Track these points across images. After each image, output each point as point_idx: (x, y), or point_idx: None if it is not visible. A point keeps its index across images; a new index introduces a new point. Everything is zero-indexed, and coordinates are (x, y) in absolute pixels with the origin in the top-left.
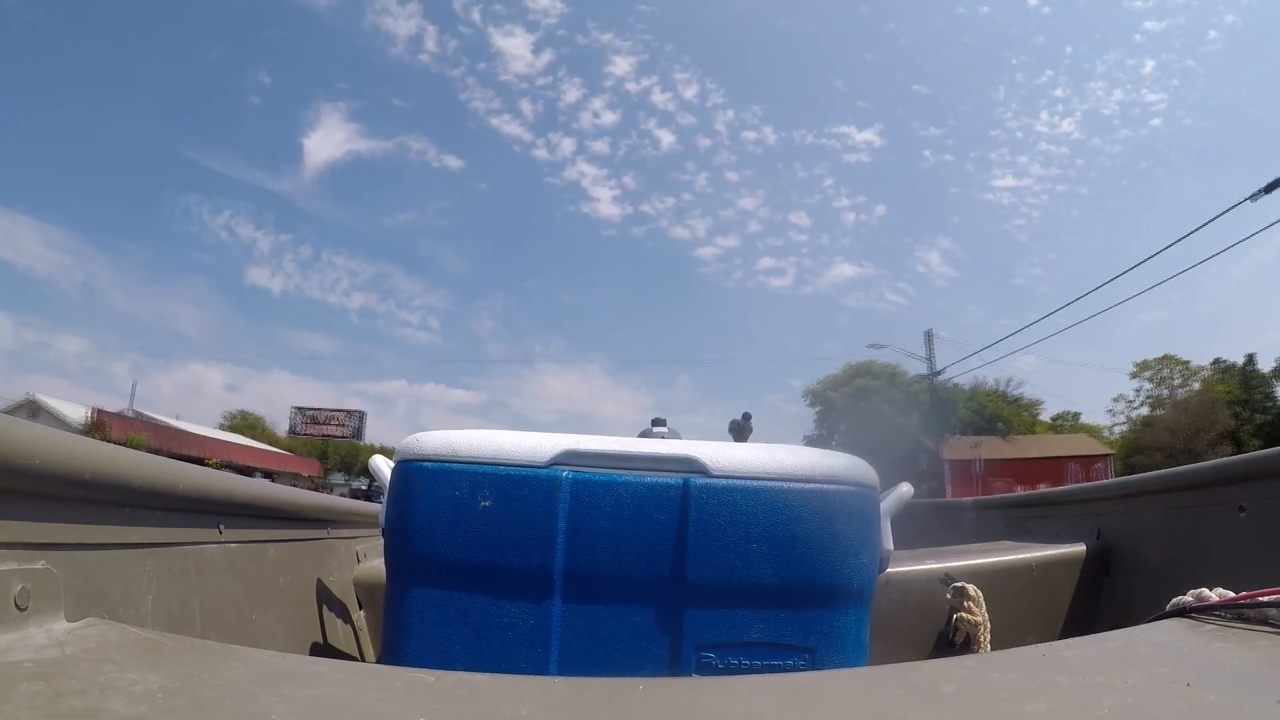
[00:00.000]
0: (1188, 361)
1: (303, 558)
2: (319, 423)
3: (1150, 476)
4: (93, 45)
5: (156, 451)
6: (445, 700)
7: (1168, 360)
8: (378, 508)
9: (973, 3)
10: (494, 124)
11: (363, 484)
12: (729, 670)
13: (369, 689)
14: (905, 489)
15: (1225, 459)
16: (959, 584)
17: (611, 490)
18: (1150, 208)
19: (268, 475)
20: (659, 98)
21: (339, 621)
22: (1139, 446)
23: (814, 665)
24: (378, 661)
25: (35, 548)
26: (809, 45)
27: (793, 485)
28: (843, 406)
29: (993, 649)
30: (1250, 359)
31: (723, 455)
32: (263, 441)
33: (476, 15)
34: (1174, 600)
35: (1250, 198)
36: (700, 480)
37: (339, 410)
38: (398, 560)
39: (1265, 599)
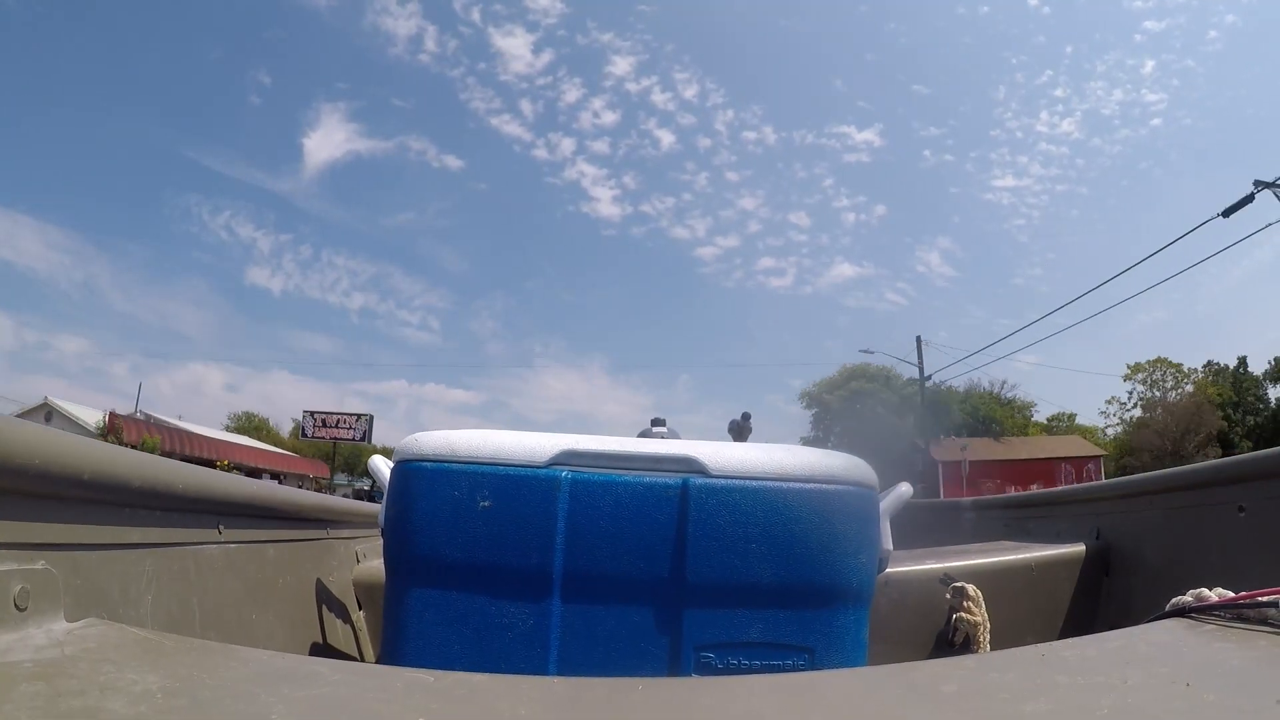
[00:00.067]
0: (1180, 364)
1: (302, 558)
2: (328, 426)
3: (1150, 476)
4: (93, 45)
5: (168, 454)
6: (445, 700)
7: (1160, 363)
8: (377, 508)
9: (973, 3)
10: (494, 124)
11: (366, 484)
12: (728, 670)
13: (368, 689)
14: (905, 489)
15: (1225, 459)
16: (958, 584)
17: (611, 490)
18: (1150, 208)
19: (275, 476)
20: (659, 98)
21: (338, 622)
22: (1130, 448)
23: (813, 665)
24: (377, 662)
25: (35, 548)
26: (809, 45)
27: (792, 485)
28: (838, 409)
29: (992, 649)
30: (1242, 361)
31: (722, 455)
32: (267, 443)
33: (476, 15)
34: (1173, 600)
35: (1222, 214)
36: (699, 480)
37: (348, 414)
38: (397, 560)
39: (1265, 599)
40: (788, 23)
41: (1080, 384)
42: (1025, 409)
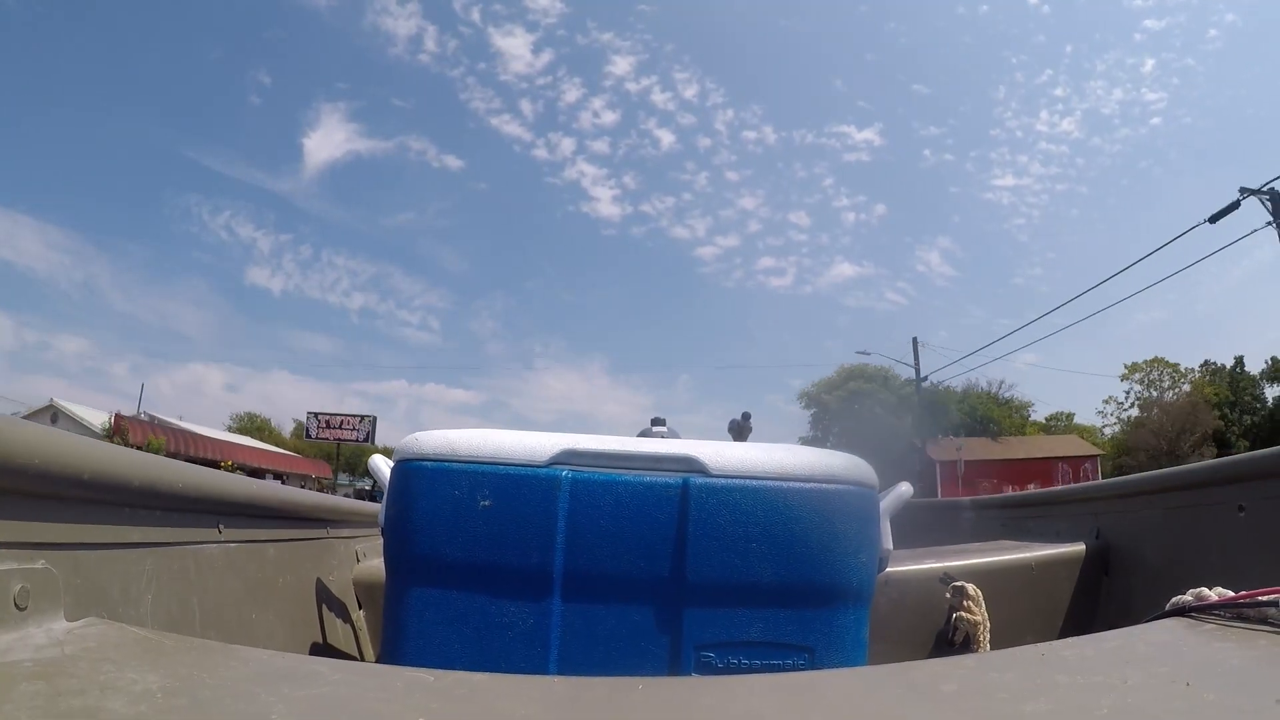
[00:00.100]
0: (1177, 364)
1: (302, 557)
2: (332, 427)
3: (1149, 476)
4: (93, 45)
5: (173, 455)
6: (444, 700)
7: (1157, 363)
8: (377, 507)
9: (973, 2)
10: (494, 124)
11: (367, 484)
12: (728, 670)
13: (368, 688)
14: (905, 488)
15: (1224, 459)
16: (958, 583)
17: (611, 490)
18: (1150, 207)
19: (278, 477)
20: (659, 98)
21: (338, 621)
22: (1126, 448)
23: (813, 665)
24: (377, 661)
25: (35, 547)
26: (809, 45)
27: (792, 485)
28: (836, 409)
29: (992, 648)
30: (1239, 361)
31: (722, 455)
32: (270, 443)
33: (476, 15)
34: (1173, 600)
35: (1209, 220)
36: (700, 480)
37: (351, 415)
38: (397, 560)
39: (1264, 598)
40: (788, 23)
41: (1079, 383)
42: (1022, 409)
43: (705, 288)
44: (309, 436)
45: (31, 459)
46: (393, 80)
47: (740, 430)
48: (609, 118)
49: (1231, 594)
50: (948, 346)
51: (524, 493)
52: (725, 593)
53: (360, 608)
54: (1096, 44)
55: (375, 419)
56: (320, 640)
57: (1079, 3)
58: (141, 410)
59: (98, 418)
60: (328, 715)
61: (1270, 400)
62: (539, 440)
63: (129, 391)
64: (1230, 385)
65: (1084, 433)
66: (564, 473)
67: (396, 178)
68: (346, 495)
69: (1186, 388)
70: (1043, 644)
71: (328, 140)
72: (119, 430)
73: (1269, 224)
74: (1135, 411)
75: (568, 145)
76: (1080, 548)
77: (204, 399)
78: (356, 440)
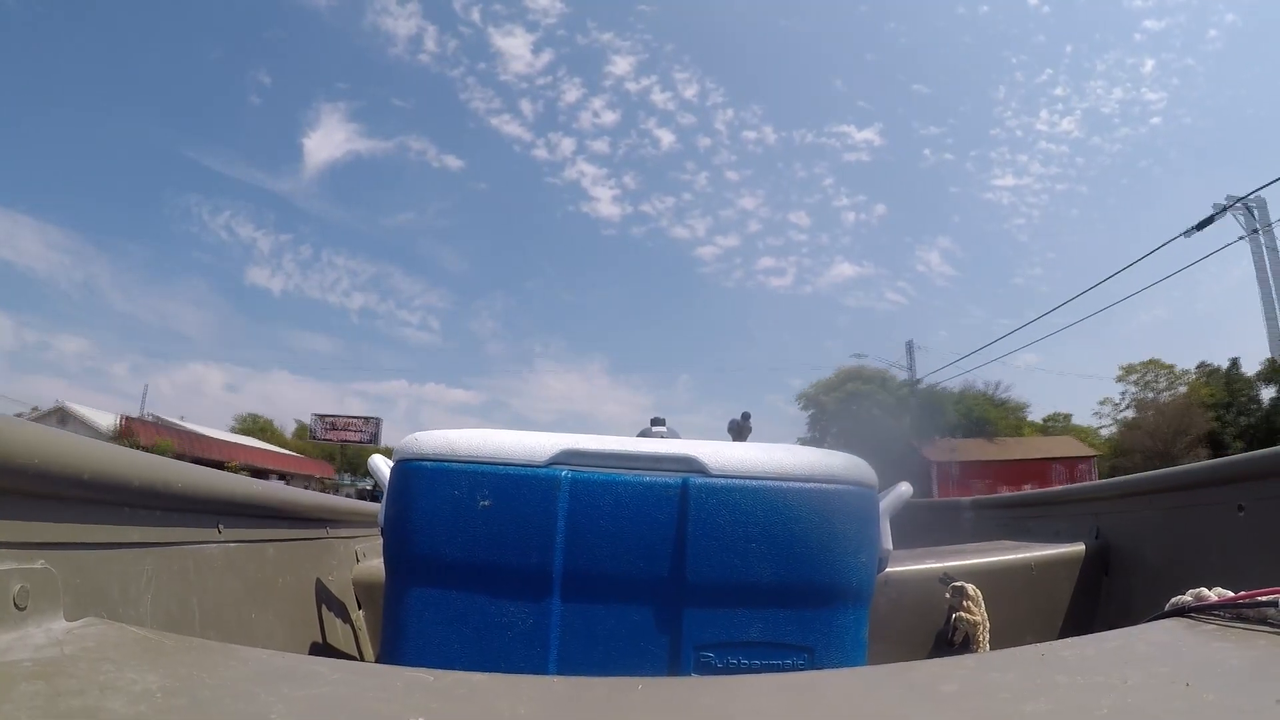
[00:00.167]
0: (1172, 365)
1: (302, 557)
2: (338, 429)
3: (1149, 476)
4: (93, 45)
5: (180, 456)
6: (444, 700)
7: (1153, 364)
8: (377, 507)
9: (973, 2)
10: (494, 124)
11: (369, 484)
12: (728, 670)
13: (368, 688)
14: (905, 488)
15: (1224, 458)
16: (958, 583)
17: (611, 490)
18: (1150, 206)
19: (282, 477)
20: (659, 97)
21: (338, 621)
22: (1122, 449)
23: (813, 665)
24: (377, 661)
25: (34, 547)
26: (809, 45)
27: (792, 485)
28: (834, 410)
29: (992, 648)
30: (1234, 362)
31: (722, 455)
32: (273, 444)
33: (476, 15)
34: (1173, 600)
35: (1184, 234)
36: (699, 480)
37: (357, 417)
38: (397, 560)
39: (1264, 599)
40: (788, 23)
41: (1078, 384)
42: (1019, 410)
43: (705, 288)
44: (315, 438)
45: (31, 459)
46: (393, 80)
47: (740, 430)
48: (609, 118)
49: (1231, 594)
50: (947, 347)
51: (524, 493)
52: (725, 593)
53: (360, 608)
54: (1096, 44)
55: (380, 420)
56: (320, 640)
57: (1079, 3)
58: (145, 411)
59: (106, 420)
60: (327, 715)
61: (1266, 401)
62: (539, 440)
63: (129, 391)
64: (1226, 386)
65: (1081, 434)
66: (564, 473)
67: (396, 178)
68: (348, 495)
69: (1183, 389)
70: (1042, 644)
71: (328, 140)
72: (128, 432)
73: (1241, 238)
74: (1131, 413)
75: (568, 145)
76: (1080, 548)
77: (204, 399)
78: (362, 441)
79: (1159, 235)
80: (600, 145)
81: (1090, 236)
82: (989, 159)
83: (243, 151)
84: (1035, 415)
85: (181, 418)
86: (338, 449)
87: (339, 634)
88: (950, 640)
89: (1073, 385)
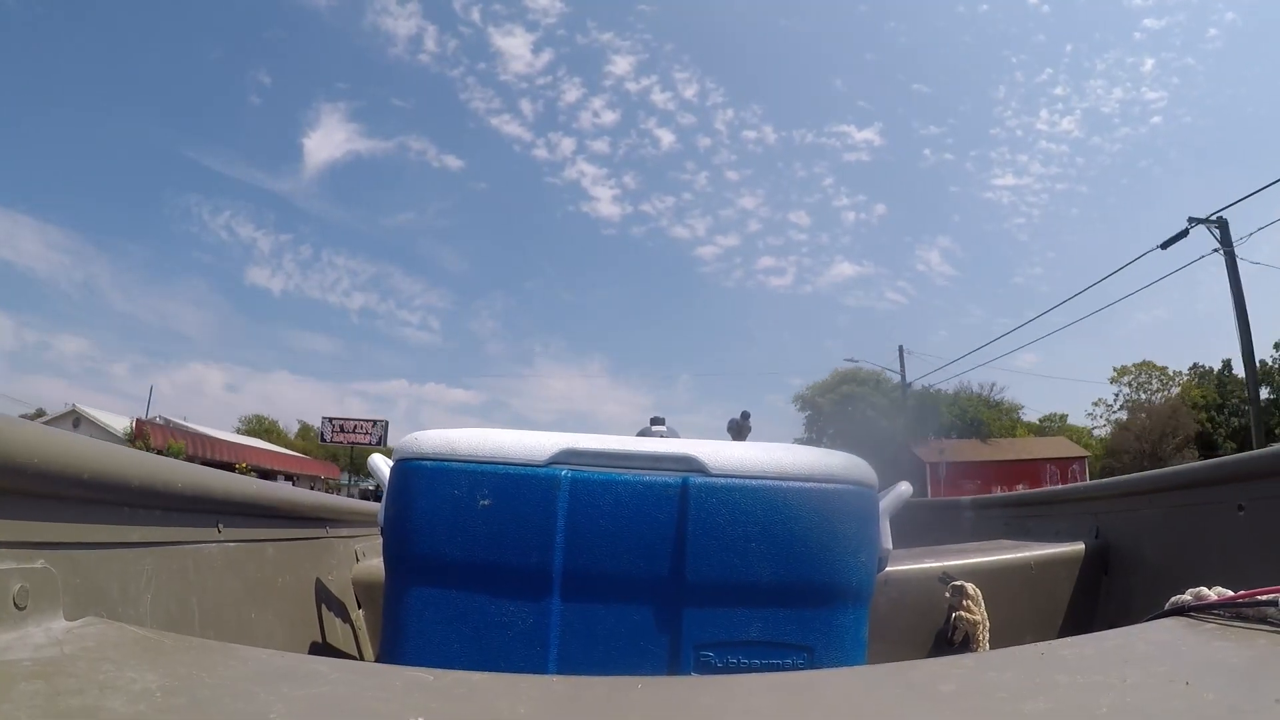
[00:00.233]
0: (1165, 367)
1: (301, 557)
2: (346, 431)
3: (1148, 476)
4: (93, 45)
5: (191, 458)
6: (444, 699)
7: (1145, 366)
8: (376, 506)
9: (973, 2)
10: (494, 124)
11: (371, 484)
12: (728, 669)
13: (367, 688)
14: (904, 488)
15: (1224, 458)
16: (958, 583)
17: (610, 489)
18: (1150, 206)
19: (288, 478)
20: (659, 97)
21: (338, 621)
22: (1111, 450)
23: (813, 664)
24: (376, 660)
25: (34, 547)
26: (809, 45)
27: (792, 484)
28: (830, 411)
29: (991, 648)
30: (1226, 364)
31: (721, 454)
32: (277, 445)
33: (476, 15)
34: (1173, 599)
35: (1161, 246)
36: (699, 479)
37: (364, 419)
38: (396, 559)
39: (1264, 598)
40: (788, 23)
41: (1073, 385)
42: (1013, 411)
43: (705, 287)
44: (324, 440)
45: (31, 458)
46: (393, 80)
47: (739, 430)
48: (609, 118)
49: (1231, 593)
50: (947, 346)
51: (523, 492)
52: (724, 592)
53: (360, 607)
54: (1096, 43)
55: (388, 423)
56: (319, 640)
57: (1079, 2)
58: (151, 412)
59: (119, 423)
60: (327, 714)
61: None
62: (538, 440)
63: (129, 392)
64: (1218, 388)
65: (1075, 434)
66: (563, 472)
67: (396, 178)
68: (351, 495)
69: (1176, 390)
70: (1042, 643)
71: (328, 140)
72: (141, 435)
73: (1215, 250)
74: (1124, 414)
75: (568, 145)
76: (1080, 547)
77: (205, 399)
78: (369, 443)
79: (1159, 235)
80: (600, 145)
81: (1090, 236)
82: (989, 159)
83: (243, 151)
84: (1032, 416)
85: (184, 418)
86: (344, 450)
87: (339, 634)
88: (950, 640)
89: (1071, 385)
